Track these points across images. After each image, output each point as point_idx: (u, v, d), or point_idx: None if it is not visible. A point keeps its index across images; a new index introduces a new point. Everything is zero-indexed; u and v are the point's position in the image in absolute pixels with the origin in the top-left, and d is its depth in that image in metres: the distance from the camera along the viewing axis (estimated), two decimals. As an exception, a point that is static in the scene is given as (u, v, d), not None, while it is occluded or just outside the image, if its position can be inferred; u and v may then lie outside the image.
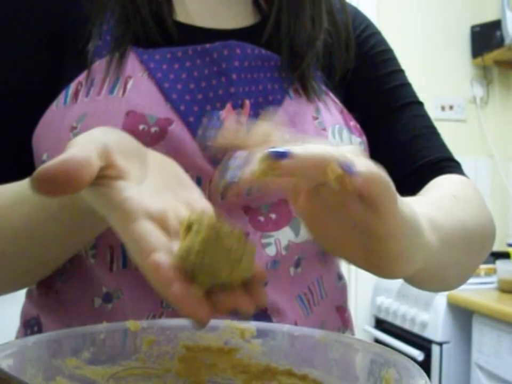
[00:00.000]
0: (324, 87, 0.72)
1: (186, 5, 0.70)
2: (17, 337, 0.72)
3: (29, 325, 0.70)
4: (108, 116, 0.62)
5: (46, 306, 0.68)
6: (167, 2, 0.67)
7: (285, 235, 0.65)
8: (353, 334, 0.77)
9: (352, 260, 0.47)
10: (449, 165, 0.75)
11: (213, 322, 0.51)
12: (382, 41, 0.80)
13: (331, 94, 0.72)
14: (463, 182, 0.73)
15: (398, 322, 2.43)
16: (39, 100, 0.65)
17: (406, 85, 0.79)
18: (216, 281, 0.38)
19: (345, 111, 0.73)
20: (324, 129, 0.68)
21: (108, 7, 0.66)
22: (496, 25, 2.80)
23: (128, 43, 0.65)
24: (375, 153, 0.75)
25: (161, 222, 0.41)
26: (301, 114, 0.67)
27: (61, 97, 0.64)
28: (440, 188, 0.70)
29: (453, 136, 2.32)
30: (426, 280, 0.63)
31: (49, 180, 0.37)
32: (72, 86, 0.64)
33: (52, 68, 0.66)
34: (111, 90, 0.63)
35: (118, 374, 0.47)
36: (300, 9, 0.71)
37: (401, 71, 0.80)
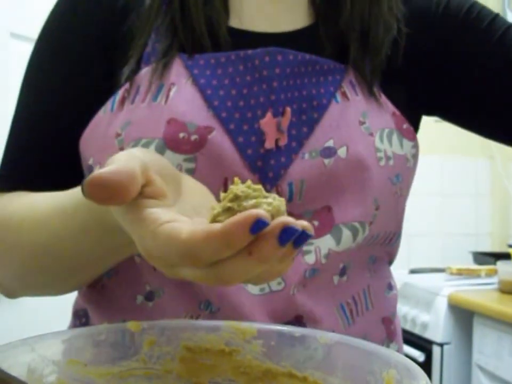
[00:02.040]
0: (376, 88, 0.69)
1: (243, 9, 0.69)
2: (69, 327, 0.74)
3: (78, 316, 0.72)
4: (150, 123, 0.62)
5: (92, 299, 0.70)
6: (223, 9, 0.67)
7: (326, 243, 0.64)
8: (399, 346, 0.74)
9: None
10: None
11: (214, 323, 0.51)
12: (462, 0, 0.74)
13: (383, 96, 0.69)
14: None
15: (398, 323, 2.43)
16: (90, 105, 0.67)
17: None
18: None
19: (398, 113, 0.69)
20: (371, 134, 0.66)
21: (157, 21, 0.67)
22: (496, 26, 2.80)
23: (175, 51, 0.65)
24: (504, 109, 0.71)
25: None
26: (347, 119, 0.66)
27: (108, 103, 0.66)
28: None
29: (453, 137, 2.32)
30: None
31: (102, 186, 0.38)
32: (120, 93, 0.66)
33: (104, 74, 0.68)
34: (155, 98, 0.64)
35: (119, 375, 0.47)
36: None
37: (497, 16, 0.72)
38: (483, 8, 0.73)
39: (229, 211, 0.39)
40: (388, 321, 0.72)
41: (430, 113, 0.77)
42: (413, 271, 2.72)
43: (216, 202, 0.49)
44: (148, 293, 0.65)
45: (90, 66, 0.68)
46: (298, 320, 0.64)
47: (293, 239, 0.36)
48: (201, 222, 0.42)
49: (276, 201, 0.39)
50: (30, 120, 0.69)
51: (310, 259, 0.63)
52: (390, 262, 0.75)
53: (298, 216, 0.63)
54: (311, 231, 0.38)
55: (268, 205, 0.39)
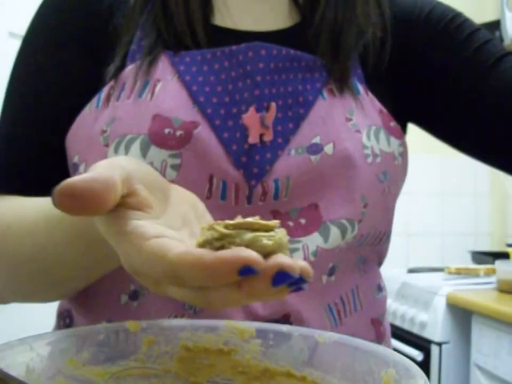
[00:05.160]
0: (363, 86, 0.69)
1: (228, 7, 0.69)
2: (53, 329, 0.74)
3: (62, 317, 0.72)
4: (135, 119, 0.62)
5: (76, 299, 0.69)
6: (201, 7, 0.68)
7: (313, 241, 0.63)
8: (388, 347, 0.72)
9: None
10: None
11: (213, 323, 0.51)
12: (447, 9, 0.75)
13: (370, 93, 0.70)
14: None
15: (397, 322, 2.43)
16: (76, 104, 0.67)
17: (491, 40, 0.72)
18: None
19: (385, 111, 0.70)
20: (358, 131, 0.66)
21: (140, 20, 0.67)
22: (495, 25, 2.80)
23: (160, 49, 0.66)
24: (475, 123, 0.71)
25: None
26: (333, 116, 0.66)
27: (93, 101, 0.66)
28: None
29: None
30: None
31: (73, 195, 0.35)
32: (105, 90, 0.66)
33: (90, 73, 0.68)
34: (140, 94, 0.64)
35: (118, 374, 0.47)
36: (351, 2, 0.69)
37: (479, 29, 0.73)
38: (466, 20, 0.74)
39: (223, 239, 0.37)
40: (377, 322, 0.72)
41: (416, 121, 0.77)
42: (411, 270, 2.72)
43: (203, 208, 0.48)
44: (133, 292, 0.64)
45: (76, 67, 0.68)
46: (285, 319, 0.63)
47: (287, 283, 0.35)
48: (190, 235, 0.42)
49: (278, 233, 0.37)
50: (17, 122, 0.69)
51: (298, 257, 0.63)
52: (380, 263, 0.75)
53: (284, 215, 0.63)
54: (309, 275, 0.36)
55: (268, 239, 0.37)
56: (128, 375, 0.48)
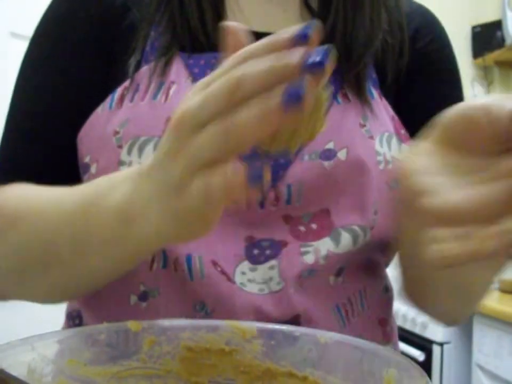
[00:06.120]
0: (377, 91, 0.69)
1: (241, 8, 0.69)
2: (63, 329, 0.73)
3: (71, 317, 0.71)
4: (149, 121, 0.62)
5: (86, 299, 0.68)
6: (213, 7, 0.67)
7: (325, 245, 0.63)
8: (396, 348, 0.74)
9: None
10: None
11: (214, 322, 0.51)
12: (454, 57, 0.77)
13: (384, 99, 0.69)
14: None
15: (399, 322, 2.43)
16: (89, 103, 0.66)
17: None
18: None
19: (397, 118, 0.70)
20: (371, 137, 0.65)
21: (156, 17, 0.67)
22: (496, 25, 2.80)
23: (174, 50, 0.65)
24: None
25: None
26: (347, 121, 0.65)
27: (106, 101, 0.66)
28: None
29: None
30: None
31: None
32: (118, 91, 0.65)
33: (103, 71, 0.67)
34: (154, 96, 0.64)
35: (119, 374, 0.47)
36: (359, 7, 0.68)
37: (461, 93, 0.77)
38: (458, 81, 0.76)
39: None
40: (384, 322, 0.71)
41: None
42: (413, 271, 2.72)
43: None
44: (142, 293, 0.64)
45: (89, 65, 0.68)
46: (295, 321, 0.63)
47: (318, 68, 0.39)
48: None
49: None
50: (26, 118, 0.69)
51: (309, 259, 0.63)
52: (387, 264, 0.75)
53: (296, 220, 0.63)
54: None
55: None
56: (130, 375, 0.48)
